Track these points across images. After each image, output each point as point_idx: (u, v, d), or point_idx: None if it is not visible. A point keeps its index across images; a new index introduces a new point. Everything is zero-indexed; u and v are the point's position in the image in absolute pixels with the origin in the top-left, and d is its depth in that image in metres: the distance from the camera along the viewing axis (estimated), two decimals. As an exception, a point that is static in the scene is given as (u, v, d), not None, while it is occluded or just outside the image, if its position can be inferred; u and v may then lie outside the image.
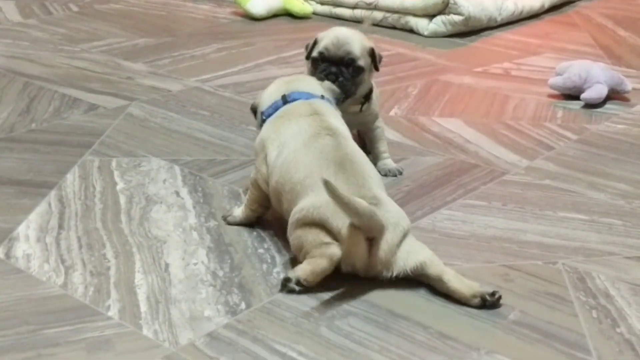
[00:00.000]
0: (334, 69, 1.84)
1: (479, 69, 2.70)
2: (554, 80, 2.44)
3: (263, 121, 1.71)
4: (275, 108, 1.69)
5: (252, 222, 1.68)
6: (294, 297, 1.44)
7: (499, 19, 3.17)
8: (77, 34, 3.06)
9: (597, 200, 1.81)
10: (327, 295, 1.44)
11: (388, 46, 2.96)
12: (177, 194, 1.83)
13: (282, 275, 1.50)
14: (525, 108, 2.36)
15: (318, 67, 1.86)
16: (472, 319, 1.38)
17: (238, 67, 2.71)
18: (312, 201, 1.46)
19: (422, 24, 3.09)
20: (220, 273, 1.52)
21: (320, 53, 1.86)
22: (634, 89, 2.44)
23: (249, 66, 2.71)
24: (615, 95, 2.42)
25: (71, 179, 1.88)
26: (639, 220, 1.71)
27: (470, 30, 3.10)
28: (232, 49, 2.91)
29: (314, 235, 1.44)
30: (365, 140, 1.98)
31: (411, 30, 3.13)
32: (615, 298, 1.45)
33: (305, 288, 1.43)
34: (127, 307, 1.42)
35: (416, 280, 1.46)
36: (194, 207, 1.76)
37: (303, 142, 1.58)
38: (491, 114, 2.32)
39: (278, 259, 1.57)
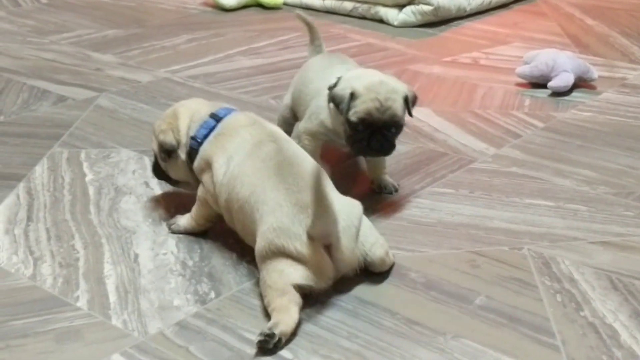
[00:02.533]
0: (377, 137, 1.63)
1: (448, 59, 2.72)
2: (522, 69, 2.46)
3: (196, 146, 1.59)
4: (207, 128, 1.59)
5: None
6: (263, 285, 1.45)
7: (468, 8, 3.19)
8: (46, 26, 3.04)
9: (563, 187, 1.83)
10: (296, 283, 1.45)
11: (358, 36, 2.97)
12: (147, 184, 1.83)
13: (252, 265, 1.50)
14: (493, 97, 2.39)
15: (357, 131, 1.63)
16: (438, 304, 1.40)
17: (208, 57, 2.70)
18: (262, 232, 1.39)
19: (392, 14, 3.10)
20: (190, 263, 1.53)
21: (363, 120, 1.61)
22: (600, 77, 2.46)
23: (220, 57, 2.71)
24: (582, 83, 2.44)
25: (40, 170, 1.88)
26: (604, 206, 1.74)
27: (440, 20, 3.11)
28: (202, 39, 2.91)
29: (277, 277, 1.35)
30: (369, 166, 1.82)
31: (381, 21, 3.13)
32: (580, 282, 1.47)
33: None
34: (96, 297, 1.42)
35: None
36: (163, 198, 1.76)
37: (247, 152, 1.50)
38: (459, 103, 2.34)
39: (248, 248, 1.57)
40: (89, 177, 1.85)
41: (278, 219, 1.37)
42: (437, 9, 3.05)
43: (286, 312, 1.31)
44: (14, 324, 1.34)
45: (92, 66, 2.59)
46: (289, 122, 1.95)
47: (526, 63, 2.48)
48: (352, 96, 1.61)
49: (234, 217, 1.50)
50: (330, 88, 1.68)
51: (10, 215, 1.68)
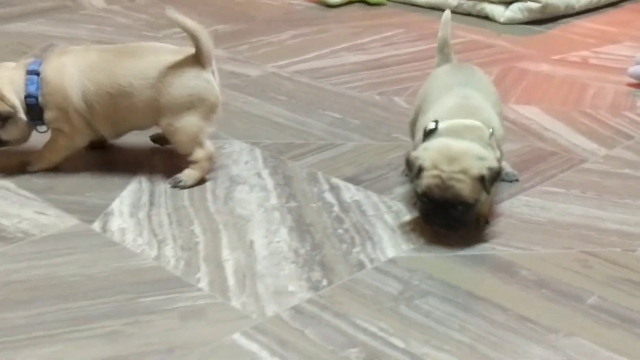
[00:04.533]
0: (442, 212, 1.57)
1: (557, 57, 2.70)
2: (634, 69, 2.42)
3: (35, 102, 1.84)
4: (34, 82, 1.83)
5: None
6: (373, 276, 1.49)
7: (576, 6, 3.15)
8: (159, 20, 3.16)
9: (677, 190, 1.81)
10: (406, 276, 1.49)
11: (463, 33, 2.97)
12: (259, 175, 1.90)
13: (361, 256, 1.56)
14: (604, 96, 2.36)
15: (423, 202, 1.60)
16: (550, 302, 1.42)
17: (314, 53, 2.76)
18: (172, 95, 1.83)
19: (498, 11, 3.09)
20: (302, 251, 1.59)
21: (424, 193, 1.58)
22: None
23: (325, 52, 2.77)
24: (695, 85, 2.39)
25: (159, 159, 1.97)
26: None
27: (547, 17, 3.08)
28: (308, 35, 2.97)
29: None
30: None
31: (486, 17, 3.13)
32: (695, 286, 1.46)
33: None
34: (216, 280, 1.49)
35: (497, 264, 1.51)
36: (275, 188, 1.83)
37: (86, 66, 1.85)
38: (569, 102, 2.33)
39: (357, 239, 1.62)
40: (205, 166, 1.94)
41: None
42: (545, 6, 3.02)
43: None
44: (142, 300, 1.43)
45: (204, 59, 2.69)
46: None
47: (638, 63, 2.44)
48: (420, 168, 1.57)
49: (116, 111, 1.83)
50: (426, 133, 1.63)
51: (134, 200, 1.78)
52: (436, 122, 1.62)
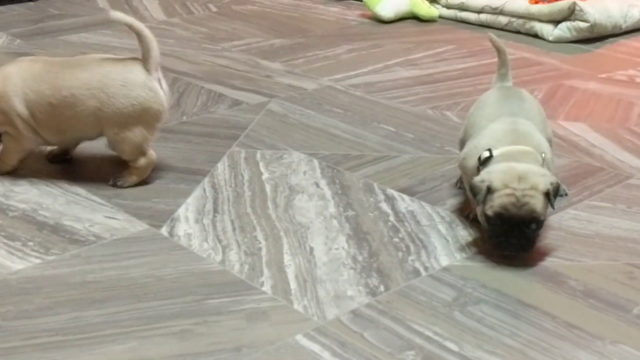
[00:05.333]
0: (515, 233, 1.60)
1: (604, 75, 2.75)
2: (681, 88, 2.47)
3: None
4: None
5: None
6: (428, 283, 1.58)
7: (624, 26, 3.20)
8: (218, 33, 3.29)
9: None
10: (459, 284, 1.57)
11: (512, 50, 3.04)
12: (317, 185, 1.99)
13: (416, 264, 1.64)
14: (651, 115, 2.41)
15: (495, 226, 1.62)
16: (597, 311, 1.48)
17: (368, 67, 2.85)
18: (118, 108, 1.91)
19: (547, 29, 3.15)
20: (360, 258, 1.67)
21: (499, 214, 1.59)
22: None
23: (378, 67, 2.86)
24: None
25: (221, 168, 2.08)
26: None
27: (595, 36, 3.14)
28: (362, 50, 3.07)
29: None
30: None
31: (535, 35, 3.19)
32: None
33: None
34: (279, 284, 1.59)
35: (546, 274, 1.59)
36: (333, 198, 1.92)
37: (29, 76, 1.95)
38: (616, 119, 2.38)
39: (412, 248, 1.71)
40: (265, 175, 2.04)
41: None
42: (593, 25, 3.08)
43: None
44: (210, 302, 1.53)
45: (262, 73, 2.81)
46: None
47: (685, 82, 2.49)
48: (489, 190, 1.60)
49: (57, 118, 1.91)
50: (482, 161, 1.68)
51: (199, 207, 1.89)
52: (489, 150, 1.68)
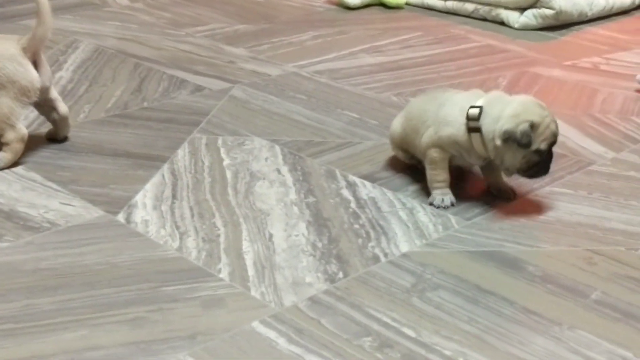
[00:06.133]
0: (549, 158, 1.75)
1: (569, 63, 2.75)
2: (644, 75, 2.48)
3: None
4: None
5: None
6: (388, 269, 1.56)
7: (589, 13, 3.20)
8: (182, 19, 3.25)
9: (682, 193, 1.87)
10: (418, 270, 1.56)
11: (479, 37, 3.03)
12: (278, 171, 1.97)
13: (376, 250, 1.63)
14: (613, 102, 2.42)
15: (542, 157, 1.73)
16: (555, 297, 1.48)
17: (333, 54, 2.83)
18: None
19: (513, 17, 3.15)
20: (319, 245, 1.65)
21: (552, 143, 1.73)
22: None
23: (344, 54, 2.84)
24: None
25: (182, 154, 2.05)
26: None
27: (561, 24, 3.14)
28: (327, 36, 3.04)
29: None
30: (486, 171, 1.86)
31: (502, 23, 3.19)
32: (695, 285, 1.52)
33: None
34: (237, 270, 1.56)
35: (505, 260, 1.58)
36: (294, 184, 1.90)
37: None
38: (579, 106, 2.38)
39: (372, 234, 1.69)
40: (226, 161, 2.01)
41: None
42: (559, 12, 3.08)
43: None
44: (165, 289, 1.50)
45: (225, 59, 2.77)
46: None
47: (648, 70, 2.50)
48: (533, 127, 1.68)
49: None
50: (470, 118, 1.73)
51: (157, 193, 1.85)
52: (472, 106, 1.73)
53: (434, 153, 1.79)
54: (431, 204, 1.80)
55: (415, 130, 1.85)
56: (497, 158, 1.74)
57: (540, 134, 1.70)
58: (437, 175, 1.80)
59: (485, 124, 1.71)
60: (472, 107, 1.73)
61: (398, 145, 1.95)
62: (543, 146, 1.71)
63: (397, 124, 1.94)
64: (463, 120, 1.73)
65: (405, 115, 1.92)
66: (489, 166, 1.82)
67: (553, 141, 1.73)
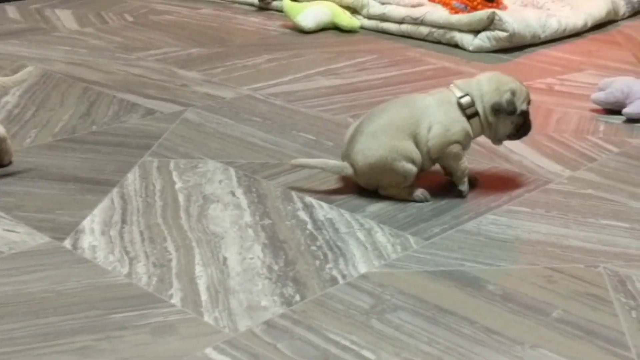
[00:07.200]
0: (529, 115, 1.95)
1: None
2: (597, 95, 2.49)
3: None
4: None
5: None
6: (346, 291, 1.52)
7: (542, 36, 3.23)
8: (133, 43, 3.19)
9: (638, 210, 1.86)
10: (377, 291, 1.52)
11: (433, 60, 3.03)
12: (233, 193, 1.92)
13: (334, 271, 1.58)
14: (568, 121, 2.42)
15: (526, 117, 1.93)
16: (516, 315, 1.45)
17: (288, 77, 2.80)
18: None
19: (467, 39, 3.16)
20: (276, 267, 1.61)
21: (529, 102, 1.93)
22: (676, 105, 2.48)
23: (299, 76, 2.81)
24: (657, 111, 2.46)
25: (132, 178, 1.99)
26: (680, 230, 1.76)
27: (514, 46, 3.16)
28: (283, 59, 3.01)
29: None
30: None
31: (456, 45, 3.20)
32: (655, 301, 1.50)
33: None
34: (189, 296, 1.50)
35: (465, 279, 1.55)
36: (249, 207, 1.85)
37: None
38: (535, 126, 2.35)
39: (330, 255, 1.65)
40: (179, 185, 1.95)
41: None
42: (512, 35, 3.10)
43: None
44: (113, 317, 1.44)
45: (178, 82, 2.72)
46: None
47: (601, 89, 2.51)
48: (513, 94, 1.88)
49: None
50: (464, 107, 1.88)
51: (105, 218, 1.79)
52: (459, 97, 1.88)
53: (455, 149, 1.88)
54: (462, 194, 1.91)
55: (411, 136, 1.87)
56: (491, 132, 1.92)
57: (519, 97, 1.89)
58: (463, 164, 1.90)
59: (478, 106, 1.88)
60: (458, 98, 1.88)
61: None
62: (524, 107, 1.90)
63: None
64: (460, 112, 1.87)
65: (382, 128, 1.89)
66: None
67: (529, 99, 1.93)
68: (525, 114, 1.92)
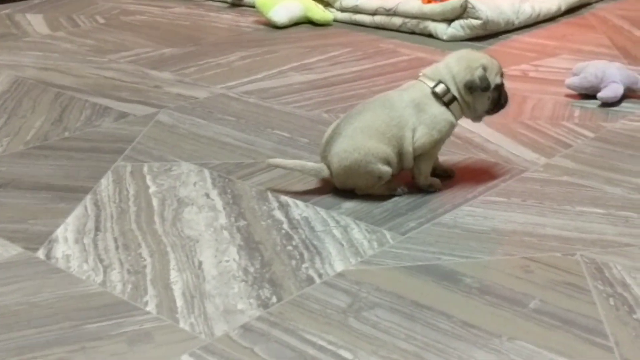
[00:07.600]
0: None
1: (497, 71, 2.75)
2: (571, 80, 2.49)
3: None
4: None
5: None
6: (322, 290, 1.51)
7: (516, 22, 3.23)
8: (105, 45, 3.16)
9: (614, 195, 1.86)
10: (354, 289, 1.51)
11: (408, 50, 3.02)
12: (208, 195, 1.90)
13: (310, 271, 1.57)
14: (543, 108, 2.42)
15: (501, 90, 1.92)
16: (493, 308, 1.44)
17: (262, 74, 2.78)
18: None
19: (441, 28, 3.15)
20: (252, 269, 1.59)
21: (502, 74, 1.92)
22: (650, 87, 2.48)
23: (273, 73, 2.79)
24: (631, 94, 2.46)
25: (105, 183, 1.96)
26: (656, 214, 1.76)
27: (489, 33, 3.15)
28: (256, 56, 2.99)
29: None
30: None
31: (430, 35, 3.19)
32: (632, 287, 1.50)
33: None
34: (164, 302, 1.49)
35: (441, 273, 1.54)
36: (224, 208, 1.83)
37: None
38: (510, 114, 2.37)
39: (306, 255, 1.63)
40: (152, 189, 1.93)
41: None
42: (485, 22, 3.09)
43: None
44: (88, 327, 1.42)
45: (150, 83, 2.70)
46: None
47: (575, 74, 2.51)
48: (485, 69, 1.87)
49: None
50: (442, 95, 1.85)
51: (79, 226, 1.77)
52: (434, 87, 1.86)
53: (434, 150, 1.88)
54: (431, 190, 1.90)
55: (394, 139, 1.84)
56: (470, 111, 1.90)
57: (492, 71, 1.88)
58: (431, 167, 1.90)
59: (453, 90, 1.85)
60: (432, 88, 1.86)
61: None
62: (498, 80, 1.89)
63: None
64: (439, 103, 1.85)
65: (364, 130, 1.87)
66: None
67: (502, 72, 1.92)
68: (500, 87, 1.90)
